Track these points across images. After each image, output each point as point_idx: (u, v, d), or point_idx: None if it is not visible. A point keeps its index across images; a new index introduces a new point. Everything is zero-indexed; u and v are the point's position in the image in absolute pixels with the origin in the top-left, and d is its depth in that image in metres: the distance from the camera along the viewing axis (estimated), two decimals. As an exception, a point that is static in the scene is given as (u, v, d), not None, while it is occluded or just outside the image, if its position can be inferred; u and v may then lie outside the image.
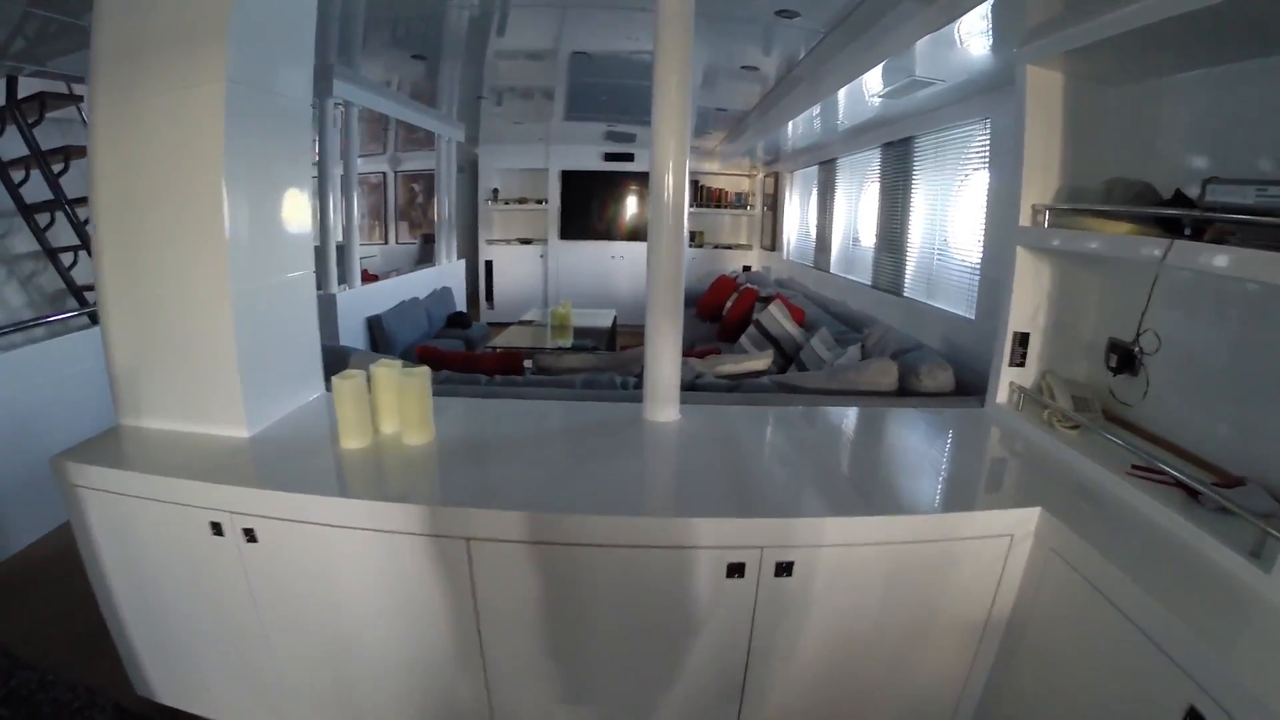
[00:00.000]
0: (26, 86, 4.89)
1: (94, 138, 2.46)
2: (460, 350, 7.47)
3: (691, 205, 10.95)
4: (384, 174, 12.85)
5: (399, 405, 2.51)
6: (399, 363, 2.62)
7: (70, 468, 2.30)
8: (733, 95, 7.17)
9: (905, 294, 5.80)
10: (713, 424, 2.81)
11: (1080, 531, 1.92)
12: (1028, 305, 2.91)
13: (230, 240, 2.40)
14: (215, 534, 2.18)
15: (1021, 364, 2.96)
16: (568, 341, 7.38)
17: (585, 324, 8.24)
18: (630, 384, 3.58)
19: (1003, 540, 2.10)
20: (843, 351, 4.89)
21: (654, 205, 2.59)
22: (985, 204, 4.49)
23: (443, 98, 8.03)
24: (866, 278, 6.71)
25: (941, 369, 3.71)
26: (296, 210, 2.82)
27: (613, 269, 11.87)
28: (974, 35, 3.36)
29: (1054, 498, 2.15)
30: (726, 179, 11.97)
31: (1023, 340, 2.94)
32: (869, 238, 6.74)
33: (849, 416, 3.08)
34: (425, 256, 11.91)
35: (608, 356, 4.01)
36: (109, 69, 2.42)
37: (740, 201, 11.96)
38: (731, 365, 4.02)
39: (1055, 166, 2.78)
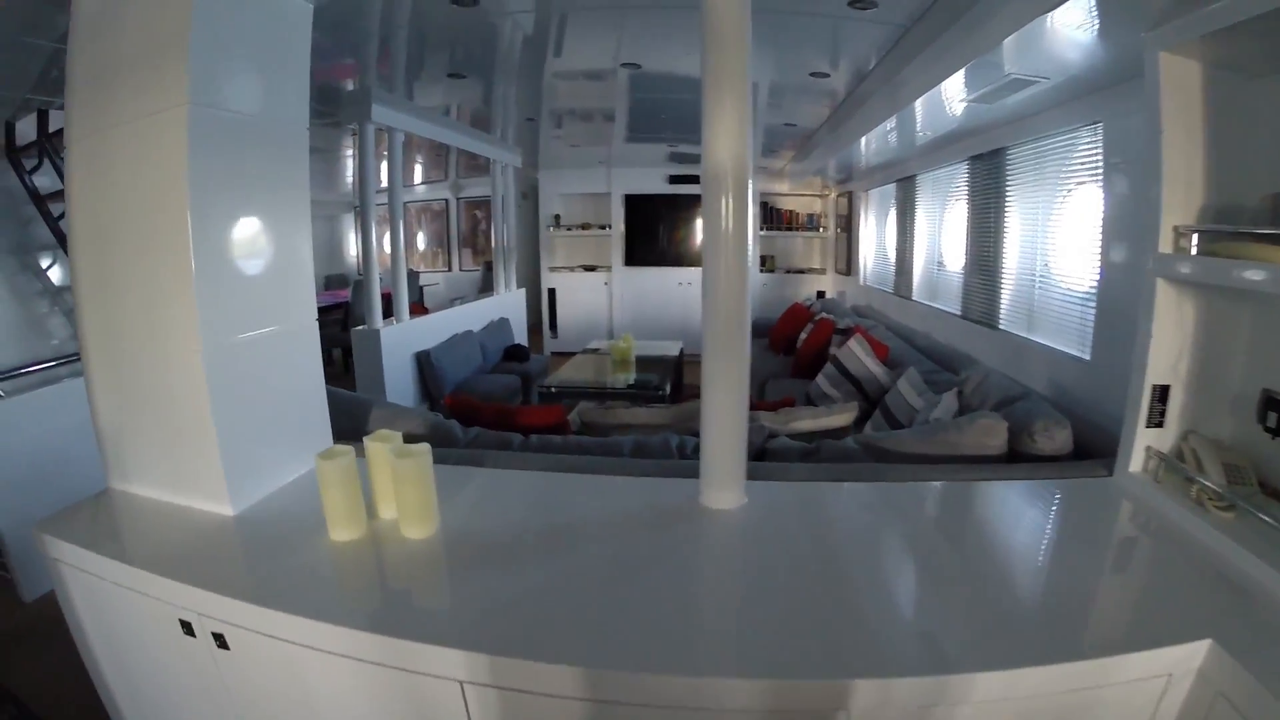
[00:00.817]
0: (57, 120, 4.75)
1: (69, 175, 2.23)
2: (515, 382, 7.11)
3: (761, 228, 10.89)
4: (446, 200, 12.81)
5: (395, 492, 2.05)
6: (399, 435, 2.16)
7: (48, 541, 2.07)
8: (800, 110, 6.68)
9: (1000, 326, 5.17)
10: (786, 511, 2.27)
11: (1259, 672, 1.38)
12: (1169, 350, 2.31)
13: (199, 287, 2.01)
14: (186, 633, 1.84)
15: (1160, 424, 2.36)
16: (630, 377, 6.91)
17: (649, 354, 7.79)
18: (689, 448, 3.10)
19: (1157, 682, 1.54)
20: (935, 397, 4.35)
21: (709, 224, 2.10)
22: (1101, 223, 3.87)
23: (496, 122, 7.69)
24: (954, 306, 6.11)
25: (1059, 427, 3.12)
26: (293, 247, 2.42)
27: (679, 296, 11.43)
28: (1085, 19, 2.82)
29: (1224, 624, 1.57)
30: (797, 200, 11.46)
31: (1162, 394, 2.33)
32: (955, 261, 6.16)
33: (952, 496, 2.51)
34: (488, 283, 11.56)
35: (663, 411, 3.53)
36: (81, 99, 2.17)
37: (812, 223, 11.43)
38: (810, 421, 3.51)
39: (1198, 180, 2.19)
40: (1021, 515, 2.37)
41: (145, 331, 2.15)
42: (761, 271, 11.34)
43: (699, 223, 10.77)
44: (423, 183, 12.84)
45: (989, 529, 2.29)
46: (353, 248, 14.02)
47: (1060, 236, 4.43)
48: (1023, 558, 2.05)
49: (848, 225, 10.09)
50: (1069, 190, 4.34)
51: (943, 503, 2.47)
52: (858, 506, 2.38)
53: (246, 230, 2.22)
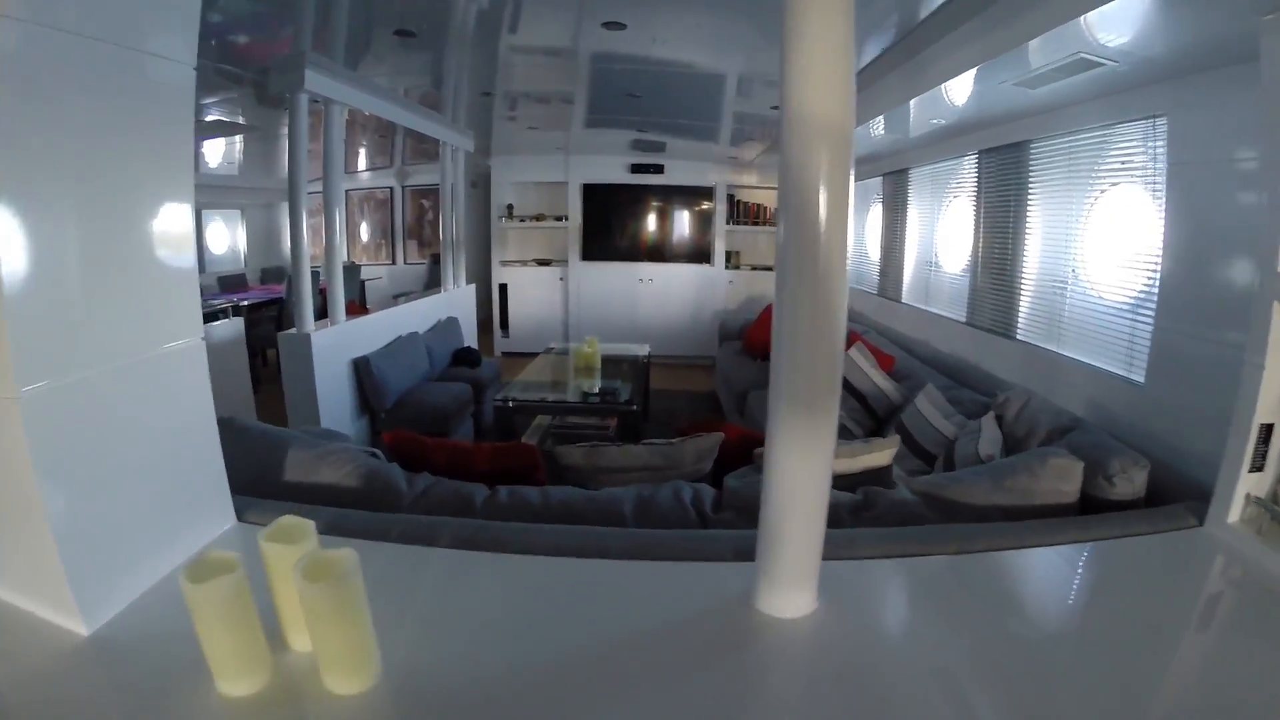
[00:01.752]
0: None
1: None
2: (466, 391, 6.34)
3: (727, 222, 10.33)
4: (391, 189, 12.10)
5: (311, 625, 1.29)
6: (310, 526, 1.42)
7: None
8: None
9: (1019, 336, 4.57)
10: (870, 612, 1.66)
11: None
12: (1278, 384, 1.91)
13: (9, 308, 1.28)
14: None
15: (1261, 467, 1.99)
16: (595, 384, 6.21)
17: (612, 355, 7.14)
18: (707, 503, 2.39)
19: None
20: (969, 422, 3.73)
21: (791, 220, 1.40)
22: (1162, 229, 3.25)
23: (448, 100, 6.92)
24: (955, 311, 5.51)
25: (1138, 468, 2.60)
26: (169, 241, 1.69)
27: (641, 293, 10.73)
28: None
29: None
30: (765, 193, 10.75)
31: (1266, 434, 1.97)
32: (956, 262, 5.60)
33: (1056, 568, 1.97)
34: (435, 277, 10.81)
35: (665, 450, 2.79)
36: None
37: (781, 218, 10.68)
38: (847, 460, 2.81)
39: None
40: (1120, 593, 1.88)
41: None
42: (727, 268, 10.72)
43: (660, 215, 10.48)
44: (366, 169, 12.07)
45: (1091, 623, 1.69)
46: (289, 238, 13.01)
47: (1093, 240, 3.89)
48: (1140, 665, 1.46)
49: (822, 221, 9.36)
50: (1103, 190, 3.82)
51: (1053, 579, 1.97)
52: (959, 593, 1.77)
53: (92, 220, 1.50)
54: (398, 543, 1.90)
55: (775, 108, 6.08)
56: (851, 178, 1.39)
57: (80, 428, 1.46)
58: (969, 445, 3.42)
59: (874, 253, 7.62)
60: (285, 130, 7.97)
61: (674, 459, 2.72)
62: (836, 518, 2.31)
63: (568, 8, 4.04)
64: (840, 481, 2.64)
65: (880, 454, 2.88)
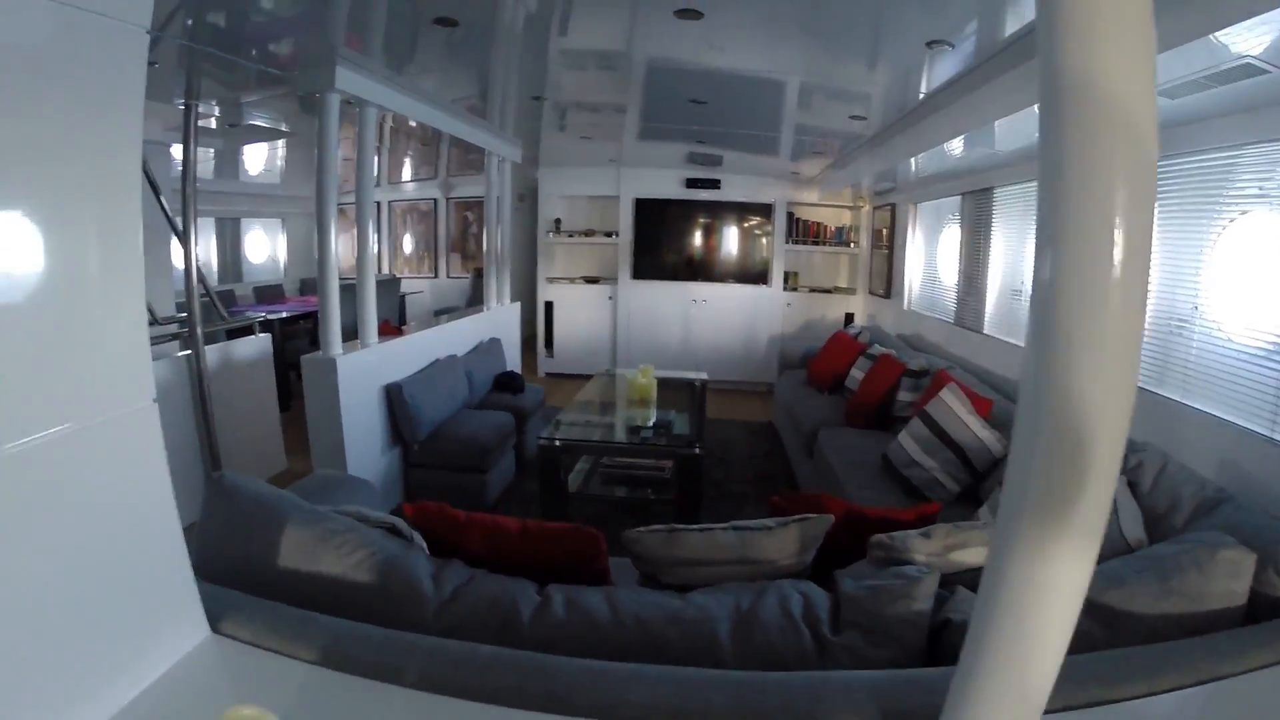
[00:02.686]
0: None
1: None
2: (508, 421, 5.82)
3: (786, 240, 9.87)
4: (435, 200, 11.78)
5: None
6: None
7: None
8: (853, 112, 5.85)
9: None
10: None
11: None
12: None
13: None
14: None
15: None
16: (649, 417, 5.67)
17: (665, 380, 6.48)
18: (823, 618, 1.84)
19: None
20: None
21: (1053, 233, 0.87)
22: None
23: (494, 107, 6.44)
24: None
25: None
26: (106, 265, 1.29)
27: (693, 314, 10.15)
28: None
29: None
30: (825, 211, 10.19)
31: None
32: None
33: None
34: (478, 292, 10.42)
35: (757, 541, 2.19)
36: None
37: (841, 237, 10.15)
38: (979, 551, 2.21)
39: None
40: None
41: None
42: (785, 289, 10.12)
43: (720, 232, 9.95)
44: (411, 180, 11.69)
45: None
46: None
47: (1221, 273, 3.37)
48: None
49: (888, 242, 8.87)
50: (1231, 218, 3.31)
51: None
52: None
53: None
54: (415, 689, 1.39)
55: (858, 117, 5.75)
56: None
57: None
58: (1113, 524, 2.84)
59: (950, 278, 7.02)
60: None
61: (770, 550, 2.15)
62: None
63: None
64: (972, 578, 2.10)
65: None
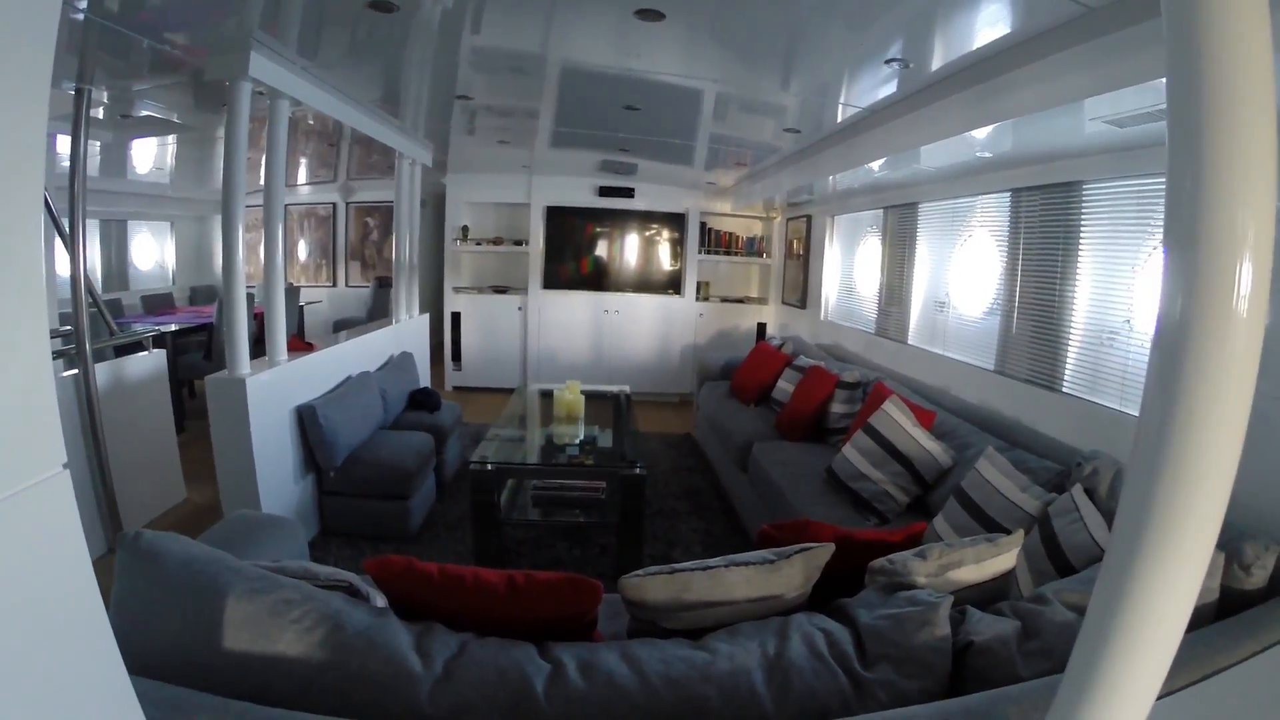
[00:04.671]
0: None
1: None
2: (426, 442, 5.47)
3: (699, 250, 9.90)
4: (334, 205, 11.40)
5: None
6: None
7: None
8: (786, 125, 5.79)
9: (1065, 389, 4.17)
10: None
11: None
12: None
13: None
14: None
15: None
16: (576, 435, 5.43)
17: (587, 393, 6.24)
18: (848, 652, 1.68)
19: None
20: (1045, 494, 3.17)
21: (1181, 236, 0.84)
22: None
23: (408, 106, 6.13)
24: (979, 358, 5.05)
25: (1269, 552, 2.14)
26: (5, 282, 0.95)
27: (606, 324, 10.01)
28: None
29: None
30: (737, 221, 10.24)
31: None
32: (974, 305, 5.17)
33: None
34: (379, 302, 10.17)
35: (764, 577, 1.97)
36: None
37: (752, 248, 10.21)
38: (973, 568, 2.12)
39: None
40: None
41: None
42: (697, 300, 10.10)
43: (628, 242, 9.80)
44: (307, 182, 11.24)
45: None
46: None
47: (1147, 289, 3.67)
48: None
49: (803, 252, 8.90)
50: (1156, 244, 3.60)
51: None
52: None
53: None
54: None
55: (792, 130, 5.63)
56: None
57: None
58: (1076, 531, 2.79)
59: (869, 290, 7.10)
60: (223, 133, 7.16)
61: (777, 585, 1.98)
62: (1003, 660, 1.74)
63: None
64: (967, 595, 2.10)
65: (1008, 555, 2.24)
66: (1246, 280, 0.82)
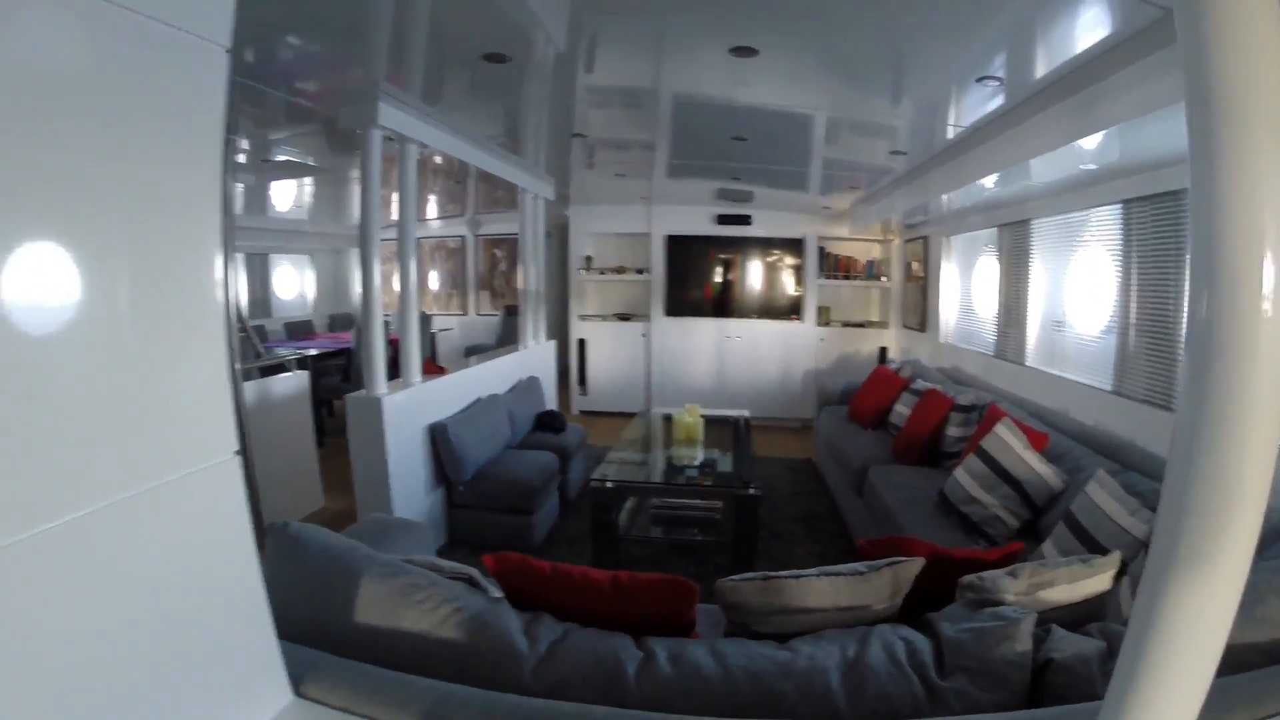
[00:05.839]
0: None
1: None
2: (551, 461, 5.73)
3: (818, 275, 9.82)
4: (463, 238, 11.85)
5: None
6: None
7: None
8: (893, 147, 5.93)
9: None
10: None
11: None
12: None
13: None
14: None
15: None
16: (695, 457, 5.60)
17: (706, 425, 6.38)
18: (931, 663, 1.76)
19: None
20: (1153, 517, 3.01)
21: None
22: None
23: (528, 144, 6.46)
24: (1097, 378, 4.90)
25: None
26: (183, 295, 1.23)
27: (727, 350, 10.10)
28: None
29: None
30: (855, 245, 10.14)
31: None
32: (1091, 323, 5.03)
33: None
34: (508, 330, 10.48)
35: (852, 586, 2.07)
36: None
37: (871, 271, 10.07)
38: (1065, 588, 2.15)
39: None
40: None
41: None
42: (818, 325, 10.05)
43: (748, 269, 9.96)
44: (438, 217, 11.77)
45: None
46: (359, 285, 12.82)
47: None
48: None
49: (921, 275, 8.79)
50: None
51: None
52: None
53: (88, 282, 1.05)
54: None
55: (898, 152, 5.72)
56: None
57: (58, 588, 0.99)
58: None
59: (987, 311, 6.97)
60: (356, 174, 7.64)
61: (865, 595, 2.08)
62: (1082, 679, 1.73)
63: (696, 33, 3.57)
64: (1057, 615, 2.05)
65: (1103, 577, 2.23)
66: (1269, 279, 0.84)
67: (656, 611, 2.01)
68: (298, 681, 1.47)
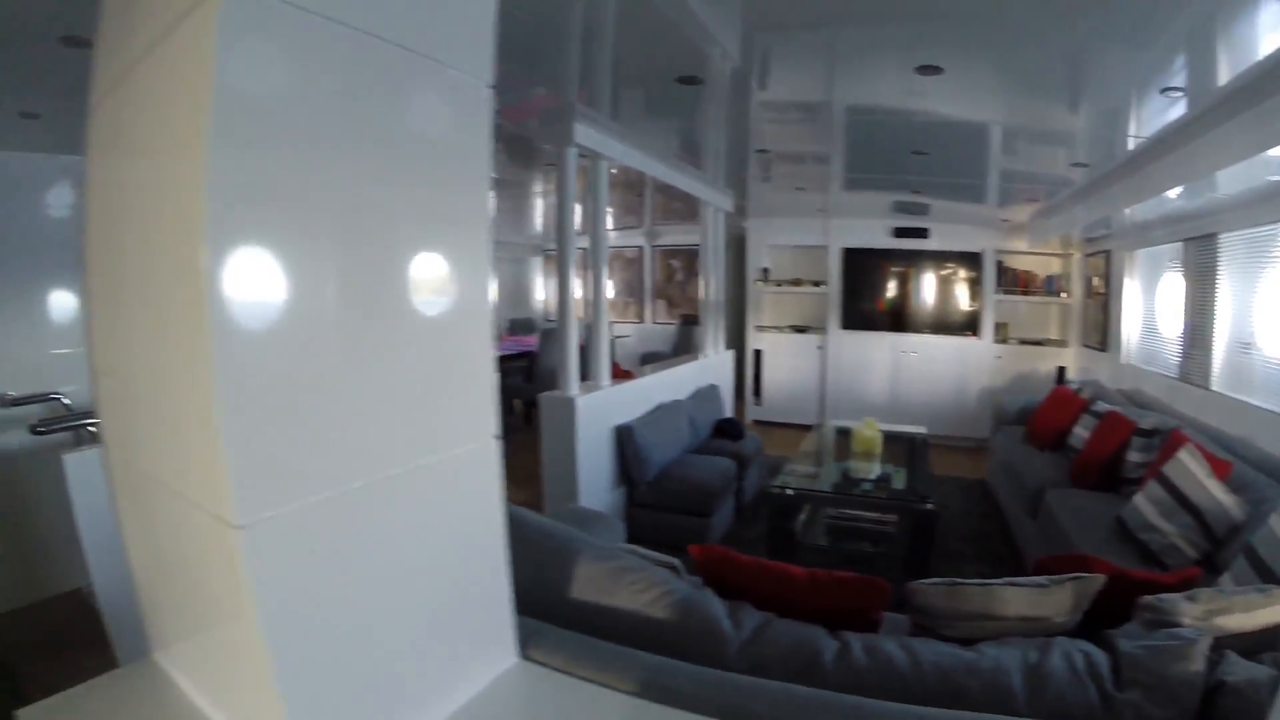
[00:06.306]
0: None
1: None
2: (730, 467, 5.94)
3: (995, 290, 9.62)
4: (640, 248, 12.17)
5: None
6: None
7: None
8: (1074, 159, 5.88)
9: None
10: None
11: None
12: None
13: (224, 401, 1.03)
14: None
15: None
16: (872, 471, 5.68)
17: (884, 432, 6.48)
18: (1108, 676, 1.86)
19: None
20: None
21: None
22: None
23: (709, 158, 6.67)
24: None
25: None
26: (458, 303, 1.44)
27: (902, 365, 10.05)
28: None
29: None
30: (1033, 259, 9.83)
31: None
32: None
33: None
34: (683, 339, 10.87)
35: (1035, 597, 2.17)
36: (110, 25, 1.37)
37: (1051, 286, 9.74)
38: (1240, 616, 2.16)
39: None
40: None
41: (156, 450, 1.30)
42: (995, 341, 9.82)
43: (924, 282, 9.94)
44: (615, 228, 12.11)
45: None
46: (539, 292, 13.64)
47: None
48: None
49: (1102, 291, 8.51)
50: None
51: None
52: None
53: (357, 282, 1.23)
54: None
55: (1079, 164, 5.63)
56: None
57: (313, 564, 1.17)
58: None
59: (1172, 330, 6.68)
60: (538, 187, 7.99)
61: (1047, 606, 2.17)
62: (1253, 704, 1.75)
63: (881, 51, 3.67)
64: (1231, 643, 2.04)
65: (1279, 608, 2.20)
66: None
67: (847, 608, 2.17)
68: (522, 645, 1.67)
